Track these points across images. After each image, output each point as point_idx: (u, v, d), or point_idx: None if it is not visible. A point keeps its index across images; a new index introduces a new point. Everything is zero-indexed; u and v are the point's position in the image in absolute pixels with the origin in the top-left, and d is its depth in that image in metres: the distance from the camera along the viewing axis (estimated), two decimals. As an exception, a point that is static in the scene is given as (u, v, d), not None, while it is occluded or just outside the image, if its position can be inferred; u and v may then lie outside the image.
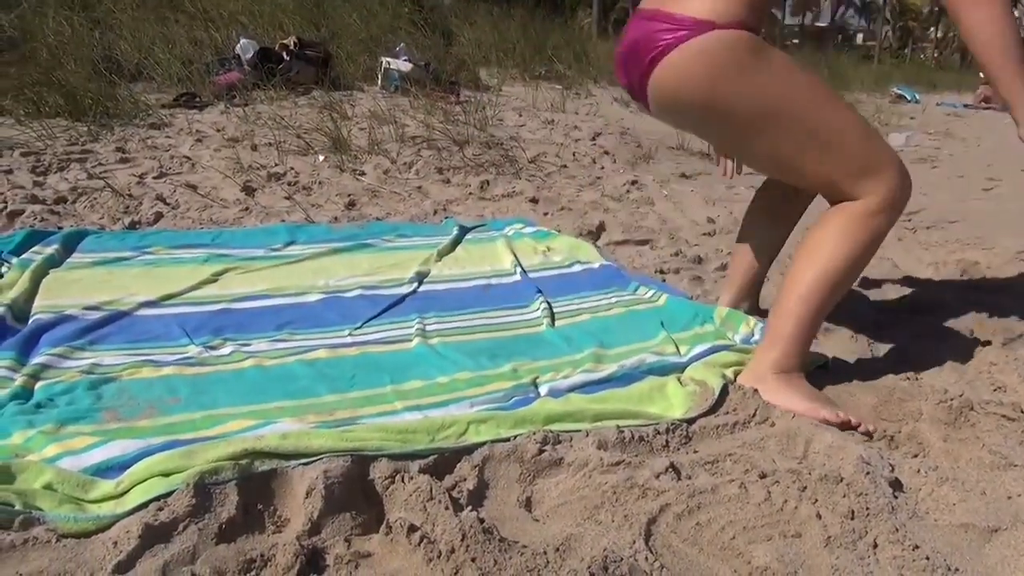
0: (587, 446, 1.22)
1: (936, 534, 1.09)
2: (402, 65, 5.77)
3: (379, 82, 5.79)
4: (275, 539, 0.98)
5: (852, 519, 1.08)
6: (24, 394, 1.28)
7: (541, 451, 1.19)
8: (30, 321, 1.58)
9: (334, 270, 2.04)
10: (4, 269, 1.86)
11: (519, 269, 2.15)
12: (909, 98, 11.44)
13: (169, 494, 0.98)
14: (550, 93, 6.62)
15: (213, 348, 1.52)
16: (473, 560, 0.92)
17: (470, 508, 1.06)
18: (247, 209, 2.67)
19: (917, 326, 1.93)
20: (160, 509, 0.97)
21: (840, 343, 1.79)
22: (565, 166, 3.92)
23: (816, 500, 1.12)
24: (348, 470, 1.06)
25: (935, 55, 56.14)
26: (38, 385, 1.31)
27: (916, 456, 1.31)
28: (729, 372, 1.52)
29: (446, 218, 2.78)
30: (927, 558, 1.01)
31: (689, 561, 1.00)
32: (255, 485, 1.04)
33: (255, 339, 1.57)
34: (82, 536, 0.95)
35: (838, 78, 11.09)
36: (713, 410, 1.40)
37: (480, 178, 3.41)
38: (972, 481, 1.20)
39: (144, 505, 0.97)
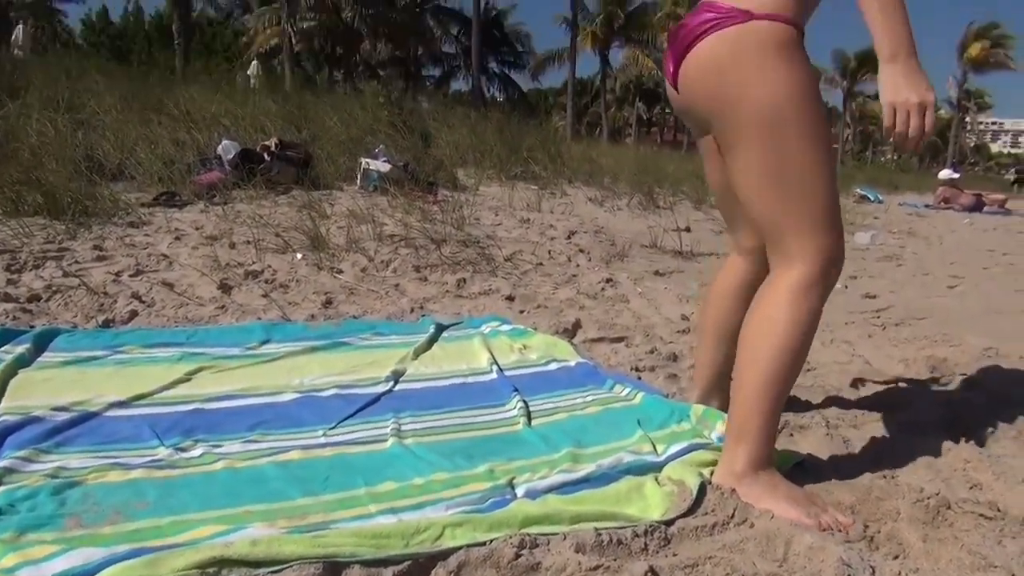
0: (565, 550, 1.20)
1: (920, 639, 1.07)
2: (381, 166, 5.90)
3: (358, 182, 5.91)
4: (241, 653, 0.94)
5: (835, 624, 1.06)
6: (-16, 500, 1.24)
7: (518, 555, 1.17)
8: (-5, 423, 1.54)
9: (309, 369, 2.03)
10: (-28, 369, 1.83)
11: (495, 367, 2.15)
12: (872, 198, 11.85)
13: (132, 606, 0.94)
14: (526, 193, 6.78)
15: (183, 450, 1.49)
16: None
17: (445, 617, 1.03)
18: (223, 307, 2.67)
19: (891, 423, 1.94)
20: (121, 622, 0.93)
21: (815, 440, 1.79)
22: (541, 264, 3.98)
23: (798, 604, 1.10)
24: (320, 578, 1.03)
25: (894, 158, 58.43)
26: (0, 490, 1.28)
27: (896, 557, 1.30)
28: (706, 472, 1.52)
29: (423, 316, 2.79)
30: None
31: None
32: (222, 595, 1.01)
33: (227, 440, 1.55)
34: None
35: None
36: (691, 511, 1.38)
37: (457, 276, 3.45)
38: (953, 583, 1.19)
39: (105, 618, 0.94)
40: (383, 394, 1.89)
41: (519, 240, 4.59)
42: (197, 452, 1.48)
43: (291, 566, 1.04)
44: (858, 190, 12.32)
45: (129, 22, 39.04)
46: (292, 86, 13.18)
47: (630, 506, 1.38)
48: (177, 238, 3.74)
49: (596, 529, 1.25)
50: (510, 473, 1.46)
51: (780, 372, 1.45)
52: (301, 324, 2.51)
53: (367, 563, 1.08)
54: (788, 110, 1.37)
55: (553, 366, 2.22)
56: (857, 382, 2.31)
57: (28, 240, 3.33)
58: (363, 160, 6.01)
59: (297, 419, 1.69)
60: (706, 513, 1.39)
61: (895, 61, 1.31)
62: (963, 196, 12.30)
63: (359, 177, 5.92)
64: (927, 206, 12.23)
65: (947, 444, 1.81)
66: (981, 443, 1.84)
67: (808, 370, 2.42)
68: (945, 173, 13.33)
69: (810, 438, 1.80)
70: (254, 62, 19.75)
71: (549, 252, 4.32)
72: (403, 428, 1.67)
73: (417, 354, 2.24)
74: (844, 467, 1.66)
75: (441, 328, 2.52)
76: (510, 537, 1.19)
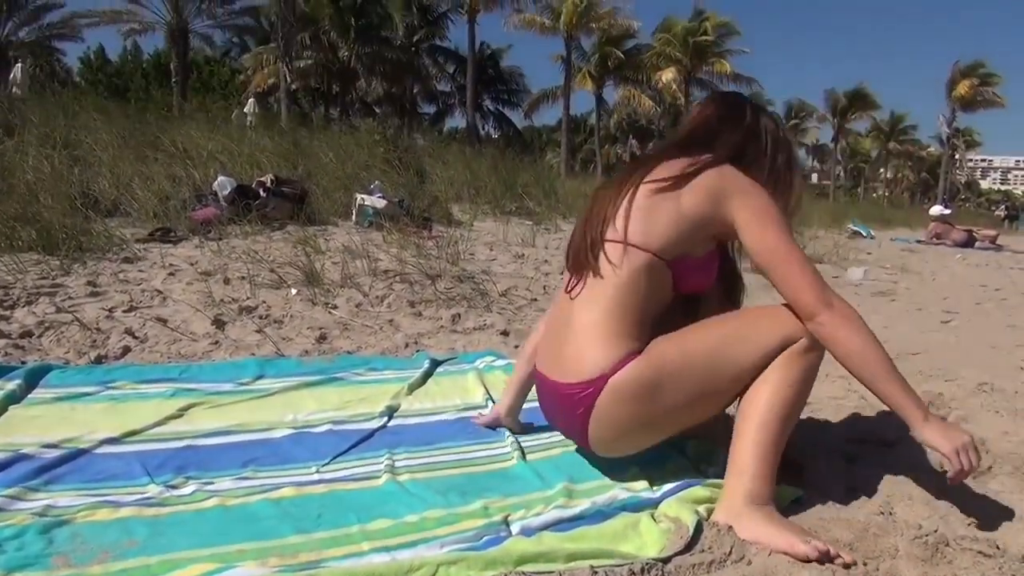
0: (561, 588, 1.18)
1: None
2: (376, 201, 5.93)
3: (353, 217, 5.94)
4: None
5: (835, 664, 1.05)
6: (-29, 539, 1.22)
7: (514, 594, 1.15)
8: (-16, 460, 1.53)
9: (303, 404, 2.02)
10: (-38, 406, 1.81)
11: (490, 402, 2.14)
12: (864, 234, 11.94)
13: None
14: (520, 228, 6.82)
15: (174, 487, 1.47)
16: None
17: (439, 658, 1.01)
18: (217, 343, 2.66)
19: (888, 460, 1.93)
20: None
21: (813, 476, 1.78)
22: (536, 299, 3.98)
23: (797, 644, 1.08)
24: (311, 618, 1.01)
25: (886, 194, 59.04)
26: (-14, 529, 1.26)
27: (896, 595, 1.28)
28: (702, 508, 1.50)
29: (417, 351, 2.78)
30: None
31: None
32: (212, 636, 0.99)
33: (219, 477, 1.53)
34: None
35: (799, 216, 11.53)
36: (688, 548, 1.37)
37: (451, 311, 3.45)
38: (954, 621, 1.17)
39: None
40: (377, 430, 1.88)
41: (514, 275, 4.60)
42: (188, 490, 1.46)
43: (282, 606, 1.02)
44: (851, 226, 12.42)
45: (127, 61, 39.46)
46: (288, 123, 13.30)
47: (626, 543, 1.36)
48: (171, 274, 3.74)
49: (592, 567, 1.24)
50: (505, 510, 1.45)
51: (783, 405, 1.49)
52: (295, 359, 2.50)
53: (360, 603, 1.06)
54: (701, 363, 1.54)
55: (548, 402, 2.21)
56: (854, 417, 2.30)
57: (22, 276, 3.33)
58: (358, 196, 6.04)
59: (290, 455, 1.68)
60: (703, 550, 1.37)
61: (928, 419, 1.44)
62: (955, 232, 12.40)
63: (354, 213, 5.95)
64: (919, 241, 12.33)
65: (944, 480, 1.80)
66: (978, 479, 1.83)
67: (805, 405, 2.41)
68: (936, 209, 13.46)
69: (814, 472, 1.79)
70: (251, 100, 19.95)
71: (544, 287, 4.33)
72: (397, 464, 1.65)
73: (411, 389, 2.23)
74: (842, 504, 1.65)
75: (436, 363, 2.51)
76: (506, 575, 1.18)
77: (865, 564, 1.38)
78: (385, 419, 1.95)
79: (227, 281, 3.65)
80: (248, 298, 3.34)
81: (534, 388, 1.78)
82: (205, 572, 1.14)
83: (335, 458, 1.67)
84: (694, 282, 1.63)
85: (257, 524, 1.34)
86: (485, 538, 1.34)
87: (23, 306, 2.93)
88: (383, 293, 3.68)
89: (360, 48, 27.44)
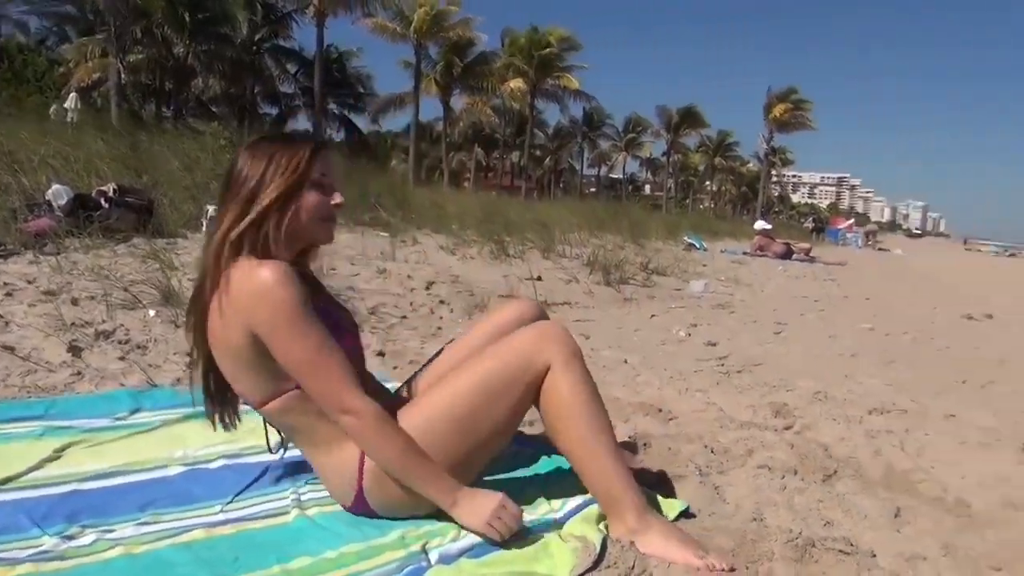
0: (488, 615, 1.24)
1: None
2: (230, 213, 5.70)
3: (204, 230, 5.68)
4: None
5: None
6: None
7: (446, 625, 1.20)
8: None
9: (189, 439, 1.95)
10: None
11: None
12: (698, 246, 12.78)
13: None
14: (378, 240, 6.78)
15: (71, 538, 1.40)
16: None
17: None
18: (79, 373, 2.50)
19: (750, 468, 2.14)
20: None
21: (691, 489, 1.94)
22: (405, 317, 4.01)
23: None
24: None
25: (711, 206, 63.27)
26: None
27: (777, 597, 1.45)
28: (602, 526, 1.61)
29: (296, 375, 2.74)
30: None
31: None
32: None
33: (118, 523, 1.47)
34: None
35: (639, 226, 12.20)
36: (595, 565, 1.47)
37: (323, 331, 3.40)
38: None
39: None
40: (273, 463, 1.85)
41: (379, 292, 4.59)
42: (88, 539, 1.39)
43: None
44: (686, 238, 13.25)
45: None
46: (120, 122, 12.44)
47: (539, 565, 1.45)
48: (8, 294, 3.44)
49: (513, 591, 1.31)
50: (421, 538, 1.49)
51: (590, 427, 1.59)
52: (169, 389, 2.40)
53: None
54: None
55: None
56: (715, 430, 2.51)
57: None
58: (209, 207, 5.79)
59: (189, 495, 1.63)
60: (609, 567, 1.48)
61: (456, 503, 1.50)
62: (775, 244, 13.56)
63: (205, 225, 5.69)
64: (745, 253, 13.37)
65: (799, 485, 2.03)
66: (827, 483, 2.07)
67: (670, 419, 2.61)
68: (760, 224, 14.67)
69: (686, 487, 1.95)
70: (72, 94, 18.47)
71: (411, 304, 4.36)
72: (303, 498, 1.65)
73: (300, 418, 2.20)
74: (719, 514, 1.82)
75: (319, 389, 2.49)
76: (434, 606, 1.22)
77: (747, 568, 1.54)
78: (281, 451, 1.92)
79: (75, 302, 3.41)
80: (104, 321, 3.14)
81: None
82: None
83: (237, 495, 1.65)
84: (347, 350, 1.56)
85: (170, 571, 1.31)
86: (407, 568, 1.38)
87: None
88: (249, 313, 3.57)
89: (197, 45, 26.08)
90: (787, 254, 13.24)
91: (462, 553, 1.46)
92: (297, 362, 1.47)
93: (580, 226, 10.68)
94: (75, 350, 2.75)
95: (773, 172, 59.52)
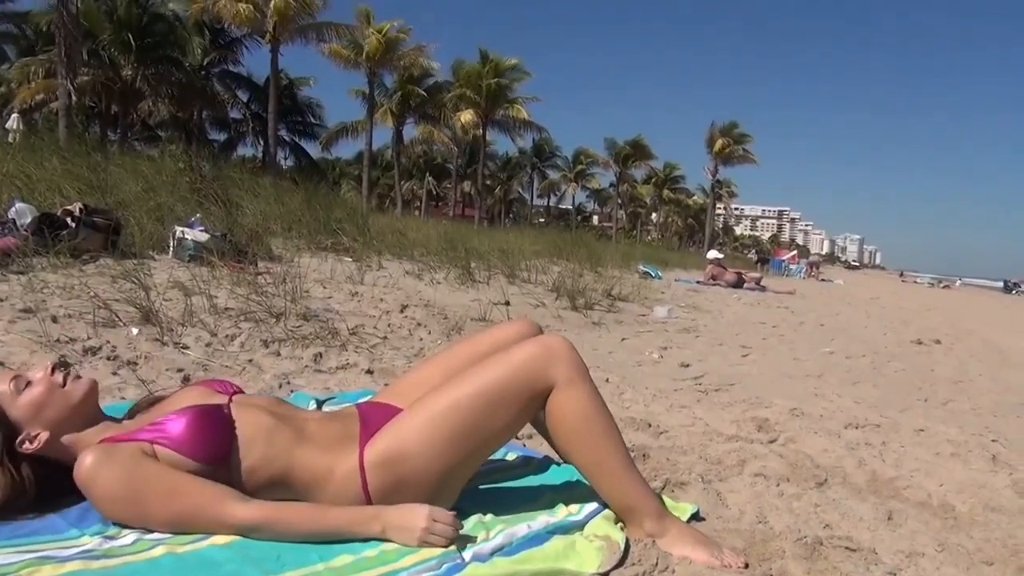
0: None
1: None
2: (198, 235, 5.66)
3: (171, 251, 5.62)
4: None
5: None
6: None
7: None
8: None
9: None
10: None
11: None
12: (653, 275, 13.02)
13: None
14: (343, 265, 6.77)
15: (111, 538, 1.40)
16: None
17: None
18: (76, 387, 2.47)
19: (747, 476, 2.23)
20: None
21: (696, 495, 2.02)
22: (386, 338, 4.03)
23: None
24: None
25: (659, 237, 64.41)
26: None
27: (796, 588, 1.53)
28: (620, 526, 1.67)
29: (292, 392, 2.75)
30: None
31: None
32: None
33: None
34: None
35: (595, 255, 12.38)
36: (621, 562, 1.54)
37: (309, 351, 3.41)
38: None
39: None
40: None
41: (356, 313, 4.60)
42: (128, 539, 1.40)
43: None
44: (641, 267, 13.49)
45: None
46: (69, 144, 12.17)
47: (568, 562, 1.50)
48: (-17, 311, 3.37)
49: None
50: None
51: (603, 441, 1.63)
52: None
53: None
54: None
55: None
56: (708, 443, 2.60)
57: None
58: (177, 229, 5.73)
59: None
60: (634, 564, 1.55)
61: (384, 528, 1.48)
62: (727, 274, 13.91)
63: (172, 246, 5.63)
64: (699, 282, 13.67)
65: (795, 491, 2.13)
66: (820, 489, 2.17)
67: (661, 433, 2.69)
68: (712, 253, 15.05)
69: (691, 493, 2.03)
70: (15, 115, 18.01)
71: (389, 326, 4.38)
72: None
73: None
74: (726, 516, 1.90)
75: (320, 403, 2.51)
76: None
77: (760, 565, 1.62)
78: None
79: (55, 319, 3.35)
80: (89, 337, 3.10)
81: None
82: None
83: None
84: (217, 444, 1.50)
85: (219, 569, 1.32)
86: (446, 566, 1.42)
87: None
88: (232, 332, 3.56)
89: (145, 68, 25.68)
90: (739, 283, 13.59)
91: (494, 552, 1.50)
92: (164, 520, 1.43)
93: (539, 254, 10.80)
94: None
95: (719, 204, 61.01)
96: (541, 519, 1.67)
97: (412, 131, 38.75)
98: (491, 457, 2.12)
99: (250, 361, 3.16)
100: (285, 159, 36.96)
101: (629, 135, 54.04)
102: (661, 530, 1.62)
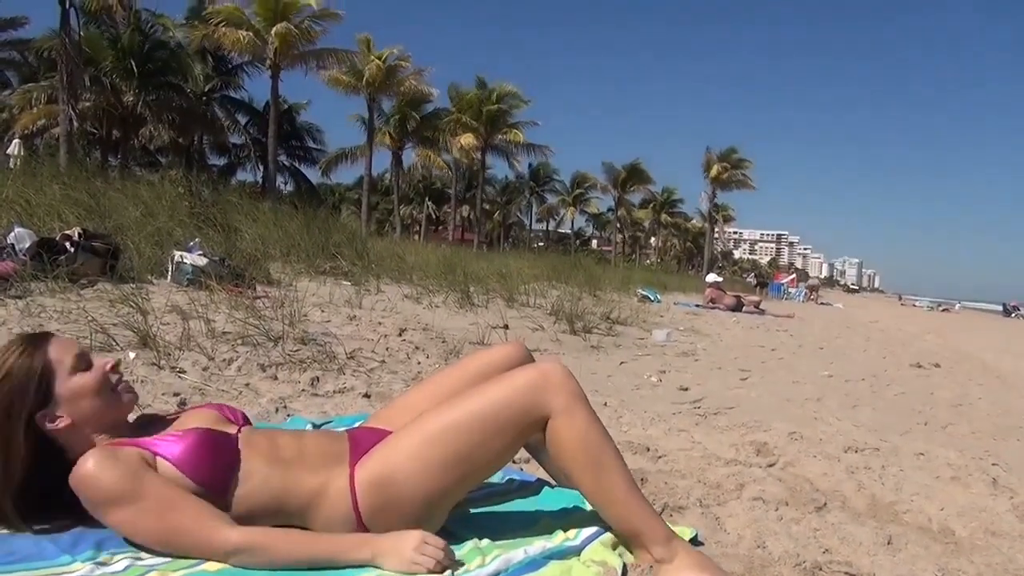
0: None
1: None
2: (197, 259, 5.67)
3: (169, 276, 5.62)
4: None
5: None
6: None
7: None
8: None
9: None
10: None
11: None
12: (652, 298, 13.02)
13: None
14: (341, 289, 6.77)
15: (104, 564, 1.39)
16: None
17: None
18: (71, 411, 2.46)
19: (745, 500, 2.22)
20: None
21: (694, 519, 2.01)
22: (384, 361, 4.02)
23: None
24: None
25: (657, 261, 64.56)
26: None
27: (796, 613, 1.51)
28: (618, 552, 1.66)
29: (289, 415, 2.74)
30: None
31: None
32: None
33: (146, 552, 1.46)
34: None
35: (594, 278, 12.39)
36: (618, 588, 1.52)
37: (306, 374, 3.40)
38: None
39: None
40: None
41: (354, 337, 4.59)
42: (120, 566, 1.39)
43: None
44: (640, 290, 13.49)
45: None
46: (70, 169, 12.23)
47: (566, 587, 1.49)
48: (-20, 335, 3.37)
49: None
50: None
51: (607, 465, 1.61)
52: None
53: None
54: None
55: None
56: (705, 467, 2.59)
57: None
58: (176, 253, 5.74)
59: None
60: (630, 590, 1.53)
61: (374, 555, 1.45)
62: (726, 297, 13.92)
63: (171, 271, 5.64)
64: (698, 305, 13.67)
65: (794, 515, 2.11)
66: (819, 513, 2.16)
67: (659, 457, 2.68)
68: (711, 277, 15.06)
69: (689, 518, 2.02)
70: (16, 141, 18.13)
71: (387, 349, 4.37)
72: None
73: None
74: (724, 541, 1.88)
75: (316, 427, 2.50)
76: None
77: (761, 591, 1.60)
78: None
79: (52, 343, 3.34)
80: (86, 362, 3.09)
81: None
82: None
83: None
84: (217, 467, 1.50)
85: (211, 597, 1.31)
86: (445, 592, 1.40)
87: None
88: (229, 356, 3.55)
89: (147, 94, 25.87)
90: (738, 306, 13.59)
91: (495, 576, 1.49)
92: (153, 531, 1.42)
93: (538, 277, 10.82)
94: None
95: (717, 229, 61.20)
96: (538, 544, 1.66)
97: (411, 155, 39.01)
98: (487, 481, 2.12)
99: (247, 385, 3.15)
100: (284, 184, 37.19)
101: (627, 159, 54.24)
102: (669, 555, 1.60)
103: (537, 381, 1.60)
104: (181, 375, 3.16)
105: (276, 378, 3.32)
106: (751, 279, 41.10)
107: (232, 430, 1.60)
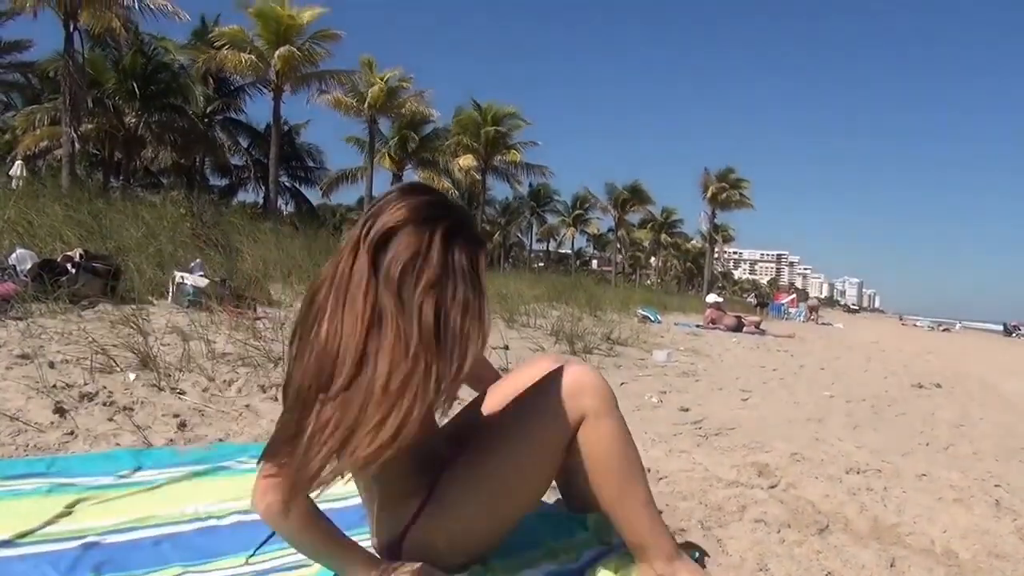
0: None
1: None
2: (198, 280, 5.68)
3: (170, 296, 5.63)
4: None
5: None
6: None
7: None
8: None
9: (200, 496, 1.94)
10: None
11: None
12: (653, 319, 13.02)
13: None
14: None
15: (102, 588, 1.39)
16: None
17: None
18: (71, 433, 2.45)
19: (747, 522, 2.21)
20: None
21: (696, 540, 1.99)
22: (384, 382, 4.01)
23: None
24: None
25: (658, 281, 64.58)
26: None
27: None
28: (620, 574, 1.65)
29: (289, 437, 2.73)
30: None
31: None
32: None
33: (145, 575, 1.46)
34: None
35: (594, 299, 12.40)
36: (620, 611, 1.51)
37: (306, 395, 3.39)
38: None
39: None
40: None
41: (355, 358, 4.58)
42: (121, 589, 1.38)
43: None
44: (640, 311, 13.50)
45: None
46: (71, 190, 12.29)
47: (568, 610, 1.48)
48: (-20, 357, 3.37)
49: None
50: (449, 588, 1.51)
51: (629, 476, 1.60)
52: (168, 449, 2.37)
53: None
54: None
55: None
56: (706, 488, 2.58)
57: None
58: (177, 274, 5.76)
59: (208, 549, 1.62)
60: (632, 613, 1.52)
61: None
62: (727, 318, 13.91)
63: (172, 291, 5.65)
64: (698, 326, 13.66)
65: (796, 537, 2.10)
66: (822, 536, 2.15)
67: (661, 479, 2.67)
68: (712, 297, 15.06)
69: (691, 537, 2.01)
70: (18, 162, 18.20)
71: (387, 370, 4.36)
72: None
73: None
74: (726, 564, 1.87)
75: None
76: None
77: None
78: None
79: (52, 365, 3.35)
80: (86, 383, 3.09)
81: None
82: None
83: (259, 548, 1.64)
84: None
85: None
86: (443, 617, 1.40)
87: None
88: (229, 377, 3.55)
89: (149, 116, 26.03)
90: (738, 327, 13.58)
91: (494, 601, 1.48)
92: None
93: (538, 298, 10.83)
94: (60, 411, 2.70)
95: (716, 249, 61.28)
96: (542, 566, 1.65)
97: (413, 177, 39.09)
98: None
99: (247, 406, 3.15)
100: (285, 204, 37.32)
101: (628, 180, 54.49)
102: (671, 572, 1.60)
103: (570, 393, 1.56)
104: (181, 396, 3.16)
105: (276, 399, 3.31)
106: (751, 299, 41.09)
107: None
